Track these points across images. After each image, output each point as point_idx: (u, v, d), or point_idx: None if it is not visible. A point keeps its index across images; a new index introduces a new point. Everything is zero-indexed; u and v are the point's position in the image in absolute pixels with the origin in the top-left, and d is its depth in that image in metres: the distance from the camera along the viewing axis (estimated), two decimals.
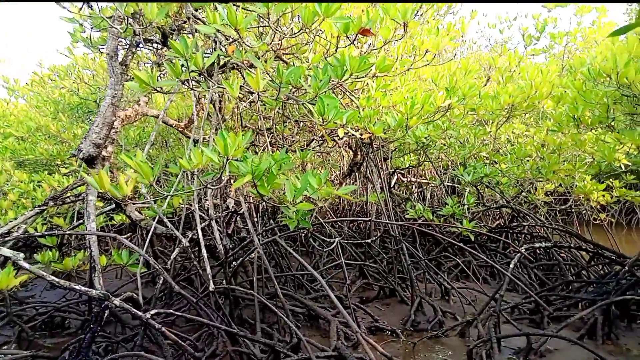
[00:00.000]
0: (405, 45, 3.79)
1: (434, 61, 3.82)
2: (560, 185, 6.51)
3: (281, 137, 4.09)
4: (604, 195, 6.19)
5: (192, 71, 2.69)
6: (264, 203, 4.14)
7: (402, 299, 4.11)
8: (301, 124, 4.46)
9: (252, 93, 3.56)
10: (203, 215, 3.67)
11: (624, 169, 6.40)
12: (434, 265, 4.88)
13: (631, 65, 3.61)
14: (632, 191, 5.78)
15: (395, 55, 3.78)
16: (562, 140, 5.85)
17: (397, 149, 5.88)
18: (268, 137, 4.17)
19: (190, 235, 3.58)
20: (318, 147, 6.39)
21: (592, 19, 7.83)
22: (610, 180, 6.10)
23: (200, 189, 3.03)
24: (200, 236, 2.99)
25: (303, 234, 5.29)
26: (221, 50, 3.23)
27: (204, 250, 2.94)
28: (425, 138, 5.05)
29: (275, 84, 3.08)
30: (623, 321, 3.44)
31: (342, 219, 3.12)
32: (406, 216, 5.37)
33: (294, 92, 3.48)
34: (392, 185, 6.29)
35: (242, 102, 3.94)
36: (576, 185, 6.05)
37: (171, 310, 2.84)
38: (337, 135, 4.53)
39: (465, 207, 5.02)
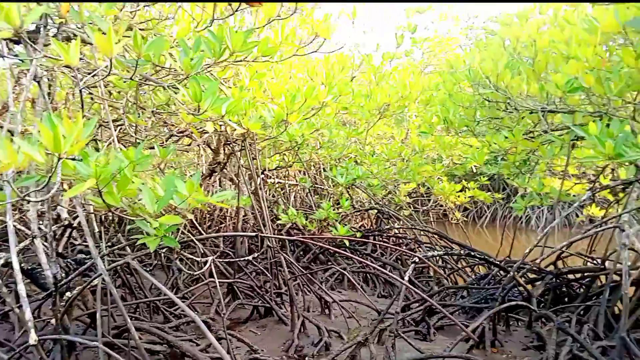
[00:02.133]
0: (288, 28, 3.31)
1: (323, 49, 3.41)
2: (422, 186, 6.68)
3: (134, 130, 3.30)
4: (459, 196, 6.51)
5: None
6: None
7: (280, 318, 3.63)
8: (160, 115, 3.70)
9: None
10: (23, 229, 2.76)
11: (474, 170, 6.75)
12: (309, 275, 4.49)
13: (507, 69, 3.64)
14: (484, 192, 6.13)
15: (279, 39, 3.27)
16: (426, 142, 5.97)
17: (265, 148, 5.41)
18: (115, 130, 3.34)
19: (2, 259, 2.64)
20: (173, 145, 5.58)
21: (448, 27, 8.35)
22: (465, 181, 6.42)
23: (17, 201, 2.17)
24: (15, 261, 2.15)
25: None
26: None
27: (20, 285, 2.09)
28: (299, 137, 4.65)
29: (130, 61, 2.36)
30: (502, 326, 3.43)
31: (225, 234, 2.53)
32: (278, 222, 4.91)
33: (153, 75, 2.75)
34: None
35: (83, 85, 3.06)
36: (434, 187, 6.24)
37: None
38: (204, 130, 3.87)
39: (341, 210, 4.75)
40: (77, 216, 2.92)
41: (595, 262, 4.34)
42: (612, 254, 3.77)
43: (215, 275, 2.85)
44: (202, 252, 3.83)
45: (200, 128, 3.83)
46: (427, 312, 3.57)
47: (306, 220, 4.91)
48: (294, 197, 7.68)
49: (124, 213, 2.29)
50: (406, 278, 2.79)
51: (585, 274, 3.74)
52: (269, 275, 3.97)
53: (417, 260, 2.90)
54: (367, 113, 4.89)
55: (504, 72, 3.64)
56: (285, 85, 3.74)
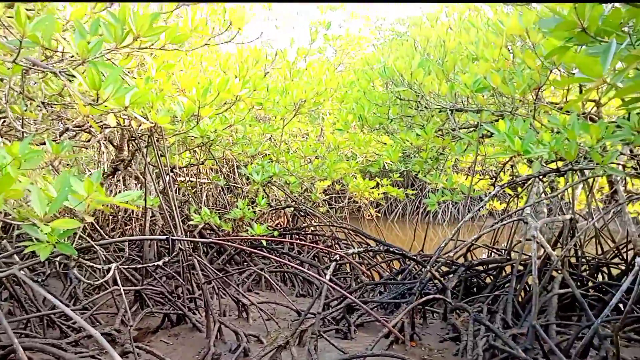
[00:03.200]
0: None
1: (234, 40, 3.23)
2: (337, 183, 6.72)
3: (21, 123, 2.90)
4: (372, 192, 6.63)
5: None
6: None
7: (195, 325, 3.40)
8: (52, 107, 3.29)
9: None
10: None
11: (387, 167, 6.90)
12: (225, 277, 4.29)
13: (420, 67, 3.72)
14: (396, 189, 6.29)
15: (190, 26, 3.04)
16: (341, 140, 5.99)
17: (174, 145, 5.09)
18: None
19: None
20: (69, 140, 5.09)
21: (359, 26, 8.48)
22: (378, 178, 6.56)
23: None
24: None
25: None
26: None
27: None
28: (212, 132, 4.42)
29: (13, 42, 2.04)
30: (420, 319, 3.49)
31: (130, 239, 2.28)
32: (190, 222, 4.65)
33: (43, 61, 2.42)
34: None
35: None
36: (349, 184, 6.29)
37: None
38: (106, 125, 3.52)
39: (259, 209, 4.59)
40: None
41: (500, 252, 4.60)
42: (516, 245, 4.01)
43: (119, 283, 2.59)
44: (105, 258, 3.49)
45: (101, 122, 3.48)
46: (347, 309, 3.54)
47: (220, 220, 4.69)
48: (207, 196, 7.38)
49: (8, 217, 1.99)
50: (327, 276, 2.72)
51: (493, 265, 3.93)
52: (180, 279, 3.72)
53: (338, 258, 2.85)
54: (283, 109, 4.78)
55: (417, 71, 3.71)
56: (196, 77, 3.51)
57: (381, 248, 3.49)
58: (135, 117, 2.39)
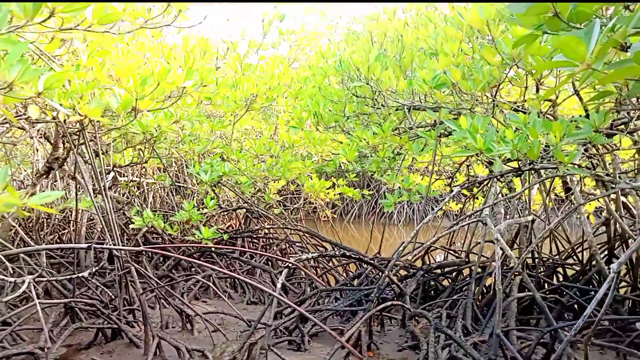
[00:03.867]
0: None
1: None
2: (292, 183, 6.48)
3: None
4: (328, 193, 6.44)
5: None
6: None
7: (132, 340, 3.08)
8: None
9: None
10: None
11: (343, 167, 6.73)
12: (169, 285, 3.97)
13: (378, 62, 3.54)
14: (352, 189, 6.12)
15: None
16: (295, 138, 5.76)
17: (115, 142, 4.71)
18: None
19: None
20: None
21: (315, 22, 8.27)
22: (334, 178, 6.37)
23: None
24: None
25: None
26: None
27: None
28: (155, 128, 4.09)
29: None
30: (377, 326, 3.32)
31: (49, 247, 1.96)
32: (131, 226, 4.30)
33: None
34: (108, 188, 5.04)
35: None
36: (304, 184, 6.08)
37: None
38: (28, 117, 3.15)
39: (206, 211, 4.30)
40: None
41: (457, 254, 4.51)
42: (475, 247, 3.91)
43: (34, 295, 2.26)
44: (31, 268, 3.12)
45: (24, 114, 3.11)
46: (301, 318, 3.32)
47: (166, 223, 4.36)
48: (153, 197, 6.97)
49: None
50: (279, 284, 2.48)
51: (451, 268, 3.81)
52: (118, 289, 3.38)
53: (291, 265, 2.62)
54: (233, 104, 4.49)
55: (374, 65, 3.53)
56: (134, 66, 3.18)
57: (337, 252, 3.29)
58: (55, 108, 2.08)
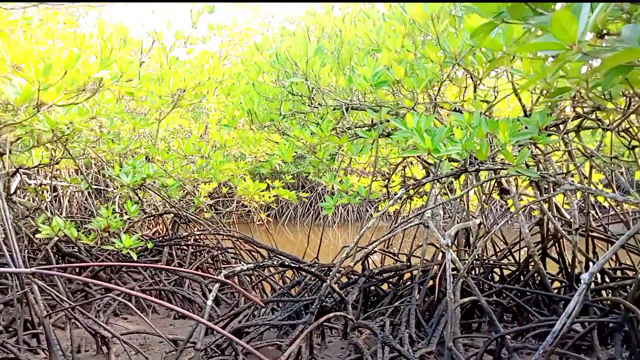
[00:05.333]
0: None
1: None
2: (224, 185, 6.14)
3: None
4: (263, 195, 6.16)
5: None
6: None
7: None
8: None
9: None
10: None
11: (279, 169, 6.48)
12: (83, 301, 3.53)
13: (317, 56, 3.32)
14: (289, 191, 5.88)
15: None
16: (228, 138, 5.43)
17: (21, 139, 4.14)
18: None
19: None
20: None
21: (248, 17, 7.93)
22: (270, 180, 6.10)
23: None
24: None
25: None
26: None
27: None
28: (66, 125, 3.62)
29: None
30: (318, 338, 3.10)
31: None
32: (38, 235, 3.79)
33: None
34: (13, 192, 4.46)
35: None
36: (237, 186, 5.76)
37: None
38: None
39: (127, 217, 3.88)
40: None
41: (397, 257, 4.40)
42: (416, 250, 3.80)
43: None
44: None
45: None
46: (234, 334, 3.03)
47: (80, 231, 3.89)
48: (69, 202, 6.34)
49: None
50: (210, 301, 2.18)
51: (393, 273, 3.68)
52: (19, 309, 2.91)
53: (223, 278, 2.33)
54: (158, 100, 4.10)
55: (313, 60, 3.31)
56: (44, 54, 2.74)
57: (274, 262, 3.03)
58: None
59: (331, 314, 2.72)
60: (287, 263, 3.04)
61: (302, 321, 2.74)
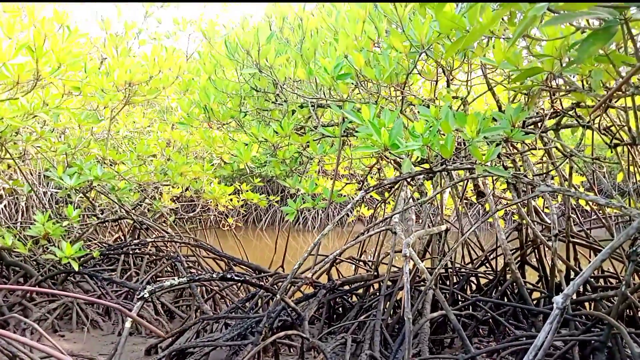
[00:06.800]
0: None
1: None
2: (188, 189, 5.79)
3: None
4: (231, 199, 5.82)
5: None
6: None
7: None
8: None
9: None
10: None
11: (249, 171, 6.14)
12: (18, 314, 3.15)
13: (272, 43, 3.02)
14: (258, 195, 5.56)
15: None
16: (190, 138, 5.10)
17: None
18: None
19: None
20: None
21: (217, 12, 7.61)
22: (238, 183, 5.76)
23: None
24: None
25: None
26: None
27: None
28: None
29: None
30: (271, 357, 2.78)
31: None
32: None
33: None
34: None
35: None
36: (204, 189, 5.43)
37: None
38: None
39: (67, 223, 3.52)
40: None
41: (367, 266, 4.10)
42: (384, 258, 3.50)
43: None
44: None
45: None
46: (179, 354, 2.70)
47: (15, 238, 3.53)
48: (16, 209, 5.93)
49: None
50: (127, 326, 1.86)
51: (359, 284, 3.38)
52: None
53: (147, 295, 2.01)
54: (106, 95, 3.76)
55: (266, 48, 3.00)
56: None
57: (214, 275, 2.69)
58: None
59: (281, 333, 2.40)
60: (229, 276, 2.72)
61: (248, 341, 2.41)
